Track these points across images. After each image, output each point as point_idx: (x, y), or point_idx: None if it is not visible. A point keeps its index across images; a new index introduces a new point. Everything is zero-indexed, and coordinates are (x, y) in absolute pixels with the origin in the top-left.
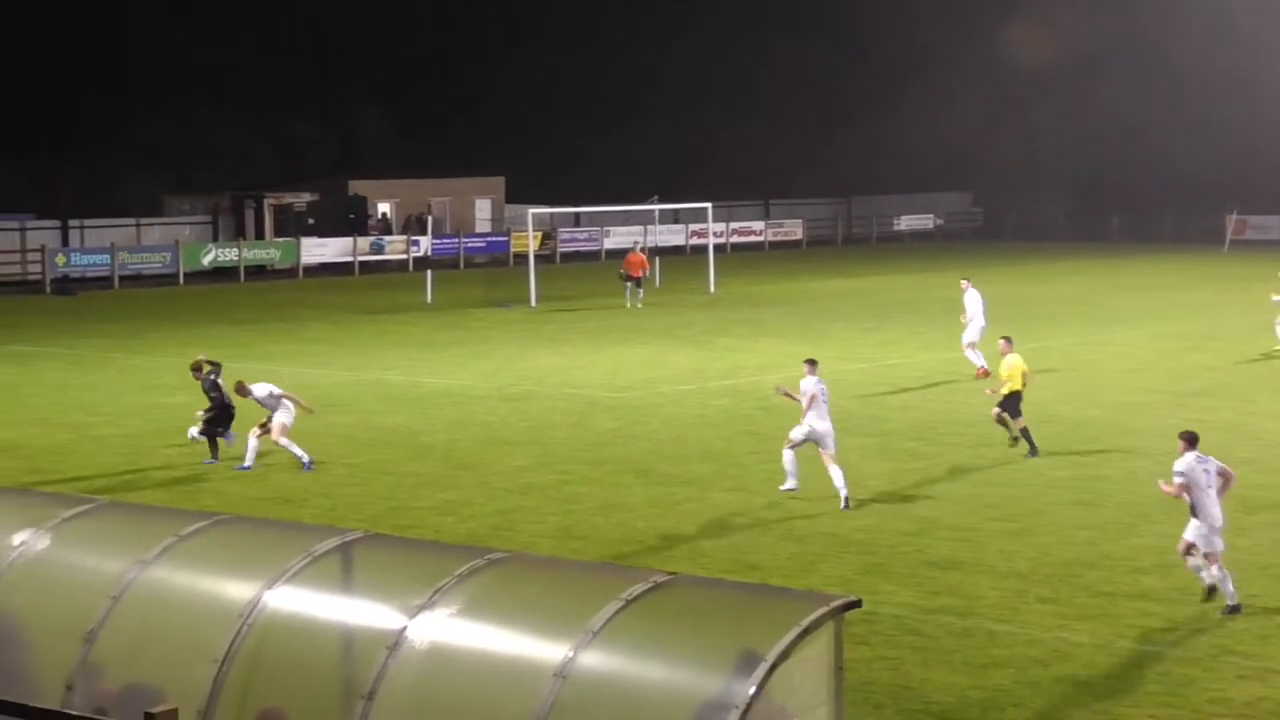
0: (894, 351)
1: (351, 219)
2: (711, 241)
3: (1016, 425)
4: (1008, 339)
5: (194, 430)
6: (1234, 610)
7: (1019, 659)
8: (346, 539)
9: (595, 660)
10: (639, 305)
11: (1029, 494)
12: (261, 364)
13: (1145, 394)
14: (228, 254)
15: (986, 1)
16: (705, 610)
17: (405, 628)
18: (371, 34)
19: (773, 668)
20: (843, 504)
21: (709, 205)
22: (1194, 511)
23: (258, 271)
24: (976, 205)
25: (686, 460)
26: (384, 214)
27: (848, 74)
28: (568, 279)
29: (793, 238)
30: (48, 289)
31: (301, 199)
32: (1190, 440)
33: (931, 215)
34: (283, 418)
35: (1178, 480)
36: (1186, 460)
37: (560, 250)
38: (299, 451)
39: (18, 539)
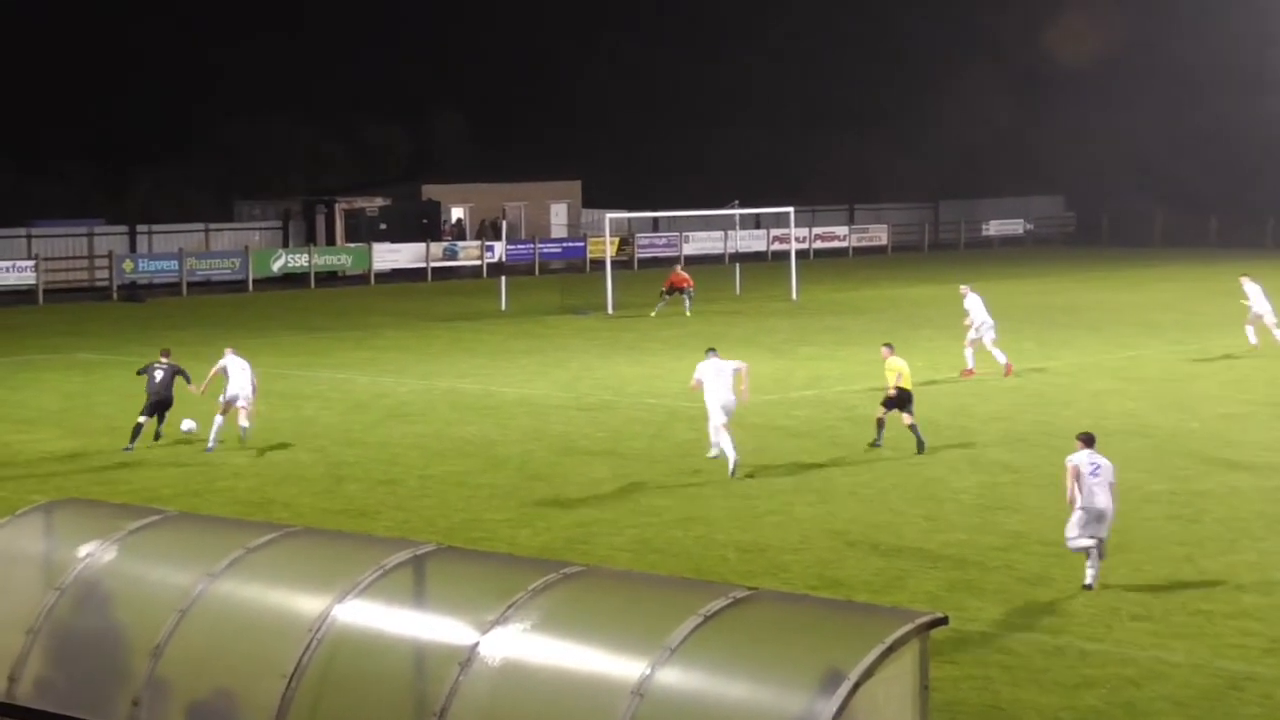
0: (983, 361)
1: (424, 224)
2: (794, 247)
3: (904, 420)
4: (889, 345)
5: (189, 423)
6: (1087, 588)
7: (1112, 679)
8: (418, 552)
9: (673, 678)
10: (687, 314)
11: (1124, 509)
12: (334, 372)
13: (1246, 405)
14: (298, 260)
15: (1079, 3)
16: (787, 627)
17: (478, 643)
18: (447, 35)
19: (856, 686)
20: (730, 470)
21: (791, 210)
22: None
23: (329, 278)
24: (1069, 209)
25: (769, 472)
26: (458, 219)
27: (932, 75)
28: (646, 285)
29: (878, 243)
30: (115, 295)
31: (374, 204)
32: (1087, 441)
33: (1022, 220)
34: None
35: (1069, 466)
36: (1079, 455)
37: (638, 256)
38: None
39: (84, 551)
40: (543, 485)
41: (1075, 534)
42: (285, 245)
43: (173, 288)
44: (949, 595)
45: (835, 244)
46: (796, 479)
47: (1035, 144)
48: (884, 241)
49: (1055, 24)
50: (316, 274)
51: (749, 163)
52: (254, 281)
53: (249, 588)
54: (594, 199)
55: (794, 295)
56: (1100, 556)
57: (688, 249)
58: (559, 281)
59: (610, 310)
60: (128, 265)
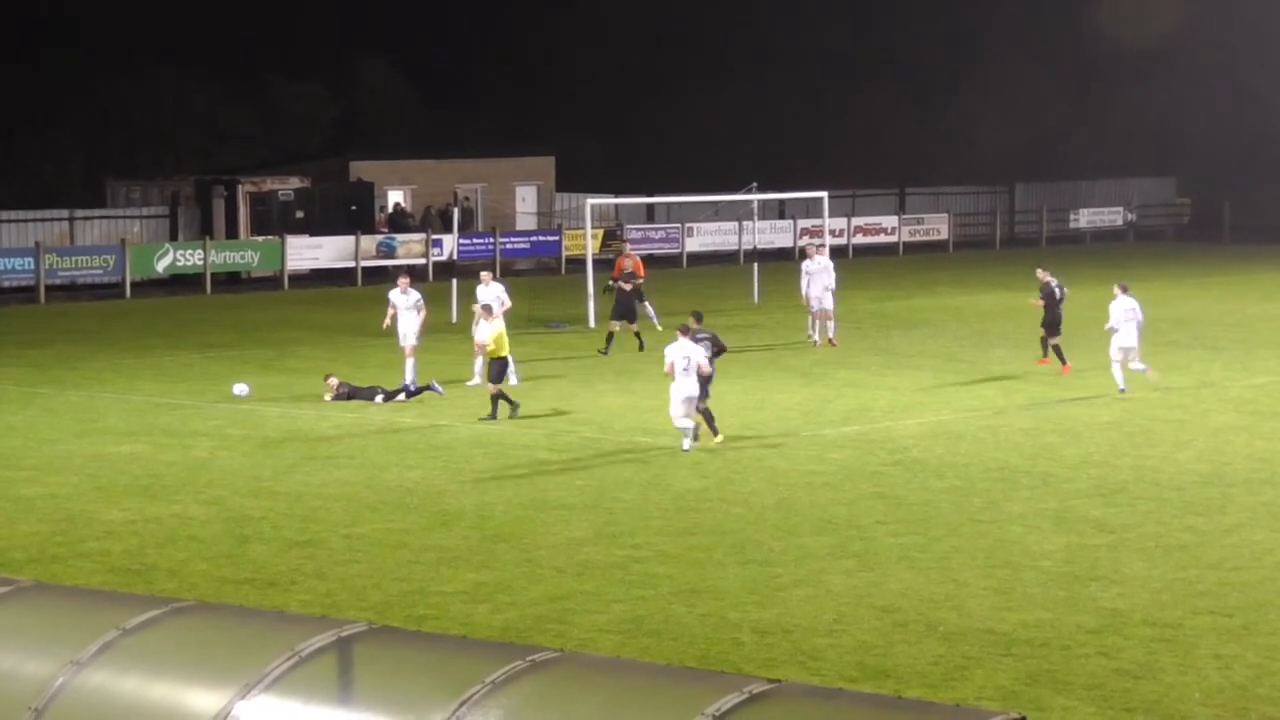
0: (1072, 388)
1: (353, 211)
2: (828, 242)
3: (493, 389)
4: (487, 307)
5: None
6: (687, 445)
7: None
8: (344, 634)
9: None
10: (657, 326)
11: (1253, 579)
12: (235, 402)
13: None
14: (190, 257)
15: None
16: None
17: None
18: None
19: None
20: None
21: (825, 195)
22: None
23: (229, 280)
24: (1182, 195)
25: (796, 531)
26: (396, 205)
27: (1007, 23)
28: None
29: (936, 237)
30: None
31: (288, 185)
32: (684, 330)
33: (1121, 208)
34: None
35: (667, 360)
36: (675, 346)
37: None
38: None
39: None
40: (506, 548)
41: (679, 415)
42: (173, 238)
43: (27, 293)
44: (1026, 690)
45: (882, 238)
46: (831, 540)
47: (1141, 111)
48: (944, 235)
49: None
50: (213, 275)
51: (770, 136)
52: (133, 285)
53: (125, 680)
54: (571, 180)
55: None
56: (696, 430)
57: (692, 244)
58: (526, 286)
59: (593, 323)
60: None
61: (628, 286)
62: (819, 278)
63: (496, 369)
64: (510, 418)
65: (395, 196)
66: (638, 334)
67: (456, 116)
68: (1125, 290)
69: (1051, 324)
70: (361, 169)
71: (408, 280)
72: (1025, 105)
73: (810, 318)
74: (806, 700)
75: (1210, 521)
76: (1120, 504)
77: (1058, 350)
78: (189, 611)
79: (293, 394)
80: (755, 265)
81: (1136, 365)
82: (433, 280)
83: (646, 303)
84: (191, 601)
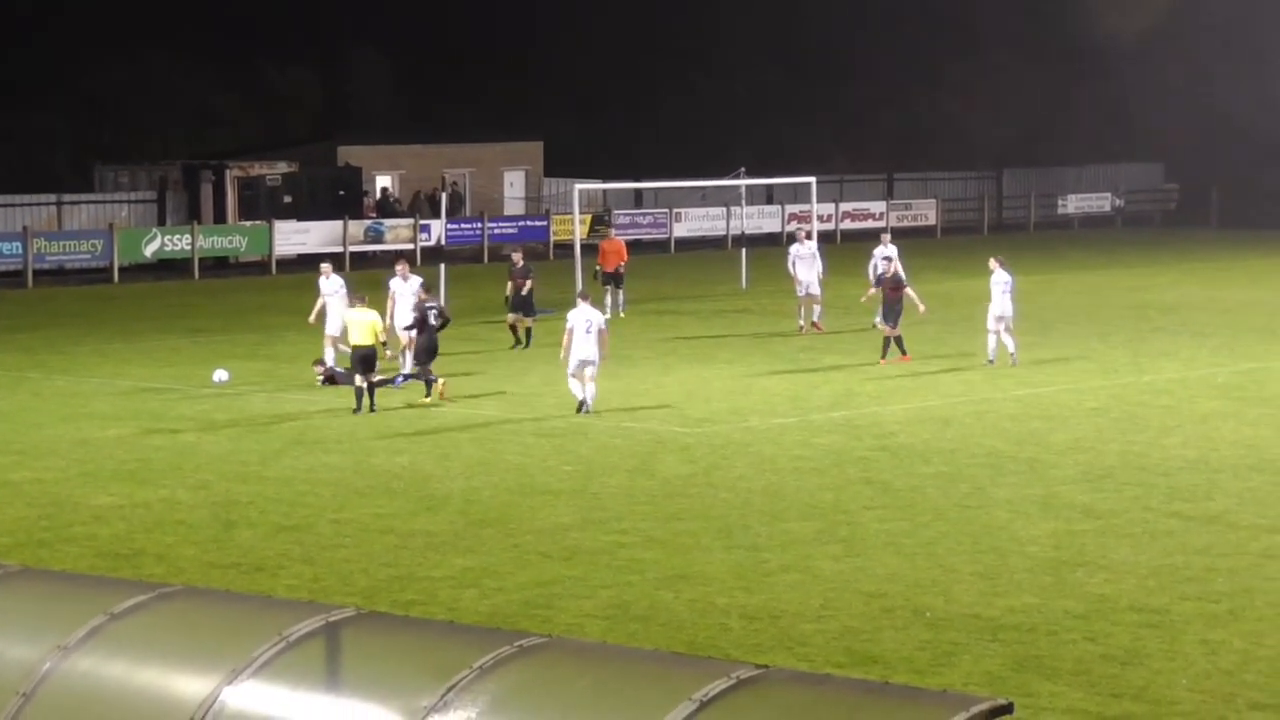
0: (1059, 374)
1: (341, 196)
2: (816, 228)
3: (365, 379)
4: (361, 296)
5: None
6: (585, 409)
7: None
8: (332, 619)
9: None
10: (620, 314)
11: (1240, 565)
12: (222, 387)
13: None
14: (178, 242)
15: None
16: (804, 715)
17: None
18: None
19: None
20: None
21: (813, 180)
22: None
23: (217, 265)
24: (1170, 181)
25: (782, 517)
26: (384, 190)
27: (996, 9)
28: (627, 276)
29: (924, 223)
30: None
31: (276, 170)
32: (584, 295)
33: (1109, 194)
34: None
35: (568, 325)
36: (576, 312)
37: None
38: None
39: None
40: (493, 532)
41: (570, 376)
42: (161, 223)
43: (15, 277)
44: (1013, 676)
45: (869, 224)
46: (818, 525)
47: (1129, 96)
48: (932, 221)
49: None
50: (201, 260)
51: (758, 121)
52: (120, 270)
53: (113, 665)
54: (559, 166)
55: (816, 289)
56: (593, 386)
57: (680, 229)
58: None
59: None
60: None
61: (528, 283)
62: (806, 262)
63: (361, 360)
64: (354, 410)
65: (383, 181)
66: (528, 330)
67: (445, 101)
68: (1002, 264)
69: (897, 314)
70: (350, 154)
71: (407, 266)
72: (1014, 91)
73: (799, 303)
74: (793, 686)
75: (1197, 507)
76: (1107, 489)
77: (898, 341)
78: (176, 596)
79: (280, 379)
80: (743, 250)
81: (1008, 340)
82: (420, 265)
83: (622, 290)
84: (179, 586)
